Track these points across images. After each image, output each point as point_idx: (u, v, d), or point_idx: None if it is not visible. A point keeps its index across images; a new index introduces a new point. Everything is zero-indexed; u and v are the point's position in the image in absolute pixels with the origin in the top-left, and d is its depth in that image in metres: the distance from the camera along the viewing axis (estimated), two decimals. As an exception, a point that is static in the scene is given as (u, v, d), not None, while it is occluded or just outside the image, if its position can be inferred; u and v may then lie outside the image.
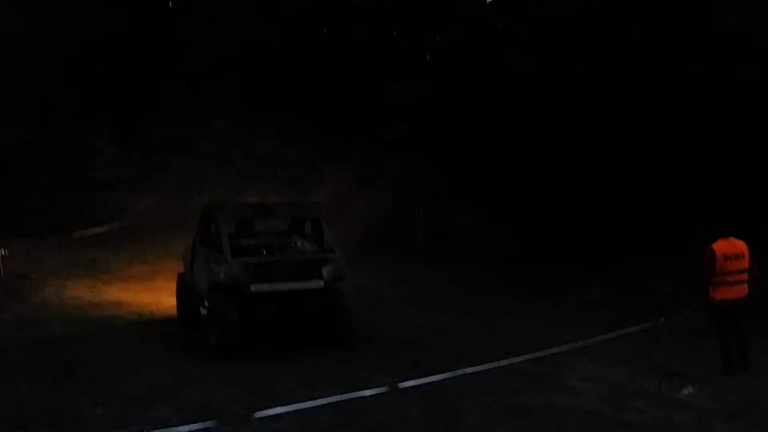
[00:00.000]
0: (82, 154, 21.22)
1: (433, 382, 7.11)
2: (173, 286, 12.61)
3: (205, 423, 5.83)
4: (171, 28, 22.17)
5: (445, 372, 7.34)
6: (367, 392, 6.75)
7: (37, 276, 15.51)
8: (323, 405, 6.77)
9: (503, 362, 7.58)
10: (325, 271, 10.34)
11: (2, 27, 22.84)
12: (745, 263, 8.79)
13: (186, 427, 5.70)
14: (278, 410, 6.12)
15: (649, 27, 14.67)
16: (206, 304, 10.67)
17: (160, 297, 13.59)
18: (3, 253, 14.99)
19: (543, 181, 16.88)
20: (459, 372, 7.47)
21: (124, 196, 19.97)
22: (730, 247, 8.81)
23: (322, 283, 10.27)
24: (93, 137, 21.27)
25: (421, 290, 14.93)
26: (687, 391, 7.99)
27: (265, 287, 9.98)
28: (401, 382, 6.90)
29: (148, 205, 19.89)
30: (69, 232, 17.90)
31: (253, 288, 9.92)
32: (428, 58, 21.68)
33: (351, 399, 6.65)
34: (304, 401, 6.65)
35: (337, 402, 6.68)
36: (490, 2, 19.74)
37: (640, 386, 8.20)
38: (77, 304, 13.32)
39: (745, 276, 8.81)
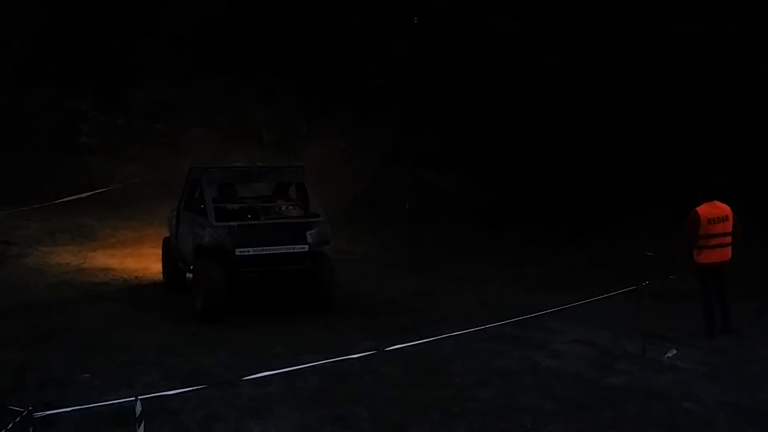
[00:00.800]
0: (65, 118, 20.92)
1: (420, 345, 7.13)
2: (159, 251, 12.59)
3: (194, 387, 5.84)
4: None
5: (431, 336, 7.39)
6: (354, 356, 6.78)
7: (21, 242, 15.39)
8: (311, 368, 6.79)
9: (489, 326, 7.62)
10: (310, 236, 10.36)
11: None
12: (728, 226, 8.84)
13: (175, 392, 5.71)
14: (266, 374, 6.15)
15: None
16: (192, 268, 10.67)
17: (147, 263, 13.56)
18: None
19: (527, 145, 16.87)
20: (445, 336, 7.52)
21: (108, 162, 19.75)
22: (713, 210, 8.85)
23: (306, 247, 10.29)
24: (76, 101, 20.95)
25: (407, 255, 14.98)
26: (670, 353, 8.09)
27: (250, 251, 9.99)
28: (388, 346, 6.93)
29: (132, 170, 19.70)
30: (53, 198, 17.72)
31: (238, 252, 9.93)
32: (415, 20, 21.45)
33: (338, 362, 6.68)
34: (292, 365, 6.67)
35: (325, 365, 6.70)
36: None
37: (625, 349, 8.30)
38: (63, 270, 13.26)
39: (728, 239, 8.86)
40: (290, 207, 11.31)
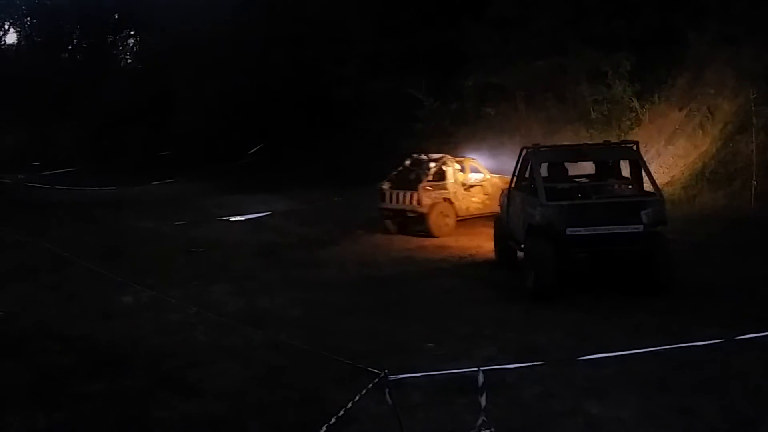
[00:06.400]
0: (403, 106, 22.64)
1: (776, 336, 6.43)
2: (491, 230, 13.01)
3: (532, 363, 5.98)
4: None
5: (790, 327, 6.61)
6: (699, 343, 6.33)
7: (365, 221, 16.96)
8: (648, 353, 6.52)
9: None
10: (645, 215, 9.89)
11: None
12: None
13: (514, 366, 5.91)
14: (603, 355, 6.05)
15: None
16: (522, 247, 10.84)
17: (479, 241, 14.11)
18: (336, 200, 16.52)
19: None
20: (809, 328, 6.66)
21: (441, 145, 20.85)
22: None
23: (641, 227, 9.86)
24: (412, 89, 22.54)
25: (755, 237, 13.50)
26: None
27: (581, 231, 9.84)
28: (737, 334, 6.35)
29: (464, 152, 20.54)
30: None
31: (569, 231, 9.84)
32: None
33: (680, 349, 6.30)
34: (629, 349, 6.46)
35: (664, 351, 6.38)
36: None
37: None
38: (405, 246, 14.39)
39: None
40: (623, 185, 10.90)
